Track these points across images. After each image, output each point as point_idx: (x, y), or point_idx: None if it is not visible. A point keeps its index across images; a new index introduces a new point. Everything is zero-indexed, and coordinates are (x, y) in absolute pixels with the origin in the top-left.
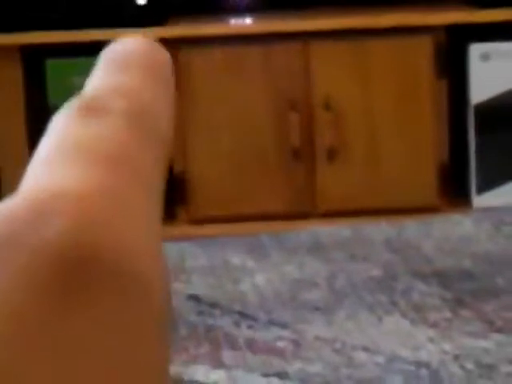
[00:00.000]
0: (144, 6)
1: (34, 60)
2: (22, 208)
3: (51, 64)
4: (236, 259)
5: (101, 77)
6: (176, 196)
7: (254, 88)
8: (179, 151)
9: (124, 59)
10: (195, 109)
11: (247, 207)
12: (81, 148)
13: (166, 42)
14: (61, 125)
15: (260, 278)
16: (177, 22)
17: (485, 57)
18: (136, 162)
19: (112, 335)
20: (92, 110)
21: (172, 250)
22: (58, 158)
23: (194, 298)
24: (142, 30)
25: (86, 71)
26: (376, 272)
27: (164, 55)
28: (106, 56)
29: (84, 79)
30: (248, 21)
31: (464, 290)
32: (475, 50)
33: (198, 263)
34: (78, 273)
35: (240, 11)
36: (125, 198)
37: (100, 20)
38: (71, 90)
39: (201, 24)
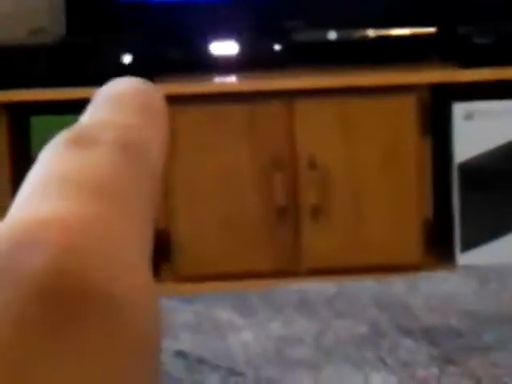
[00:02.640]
0: (129, 64)
1: (19, 117)
2: (6, 239)
3: (36, 121)
4: (223, 316)
5: (93, 112)
6: (161, 253)
7: (239, 147)
8: (164, 209)
9: (116, 97)
10: (179, 167)
11: (232, 265)
12: (68, 178)
13: None
14: (49, 155)
15: (247, 335)
16: (161, 81)
17: (468, 116)
18: (125, 191)
19: (99, 362)
20: (81, 140)
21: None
22: (44, 189)
23: (182, 354)
24: None
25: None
26: (363, 329)
27: (156, 93)
28: (99, 94)
29: None
30: (232, 79)
31: (451, 346)
32: (459, 109)
33: (185, 319)
34: (63, 302)
35: (224, 70)
36: (111, 227)
37: (85, 78)
38: None
39: (185, 82)
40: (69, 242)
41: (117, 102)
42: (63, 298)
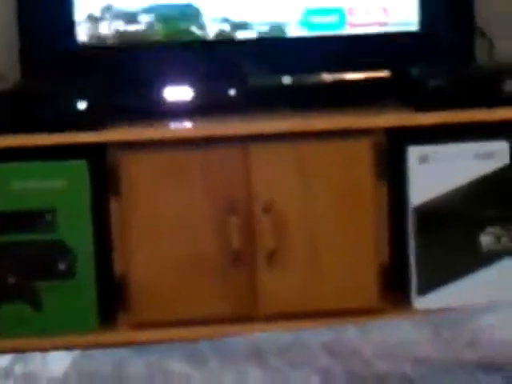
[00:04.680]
0: (84, 110)
1: None
2: None
3: None
4: (175, 367)
5: None
6: (117, 300)
7: (194, 191)
8: (120, 255)
9: None
10: (135, 213)
11: (188, 311)
12: None
13: (105, 146)
14: None
15: None
16: (116, 127)
17: (423, 159)
18: None
19: None
20: None
21: (111, 356)
22: None
23: None
24: (81, 135)
25: (25, 176)
26: (315, 378)
27: None
28: None
29: (23, 184)
30: (187, 125)
31: None
32: (413, 152)
33: (137, 371)
34: None
35: (179, 115)
36: None
37: (40, 124)
38: (10, 195)
39: (140, 128)
40: None
41: None
42: None
